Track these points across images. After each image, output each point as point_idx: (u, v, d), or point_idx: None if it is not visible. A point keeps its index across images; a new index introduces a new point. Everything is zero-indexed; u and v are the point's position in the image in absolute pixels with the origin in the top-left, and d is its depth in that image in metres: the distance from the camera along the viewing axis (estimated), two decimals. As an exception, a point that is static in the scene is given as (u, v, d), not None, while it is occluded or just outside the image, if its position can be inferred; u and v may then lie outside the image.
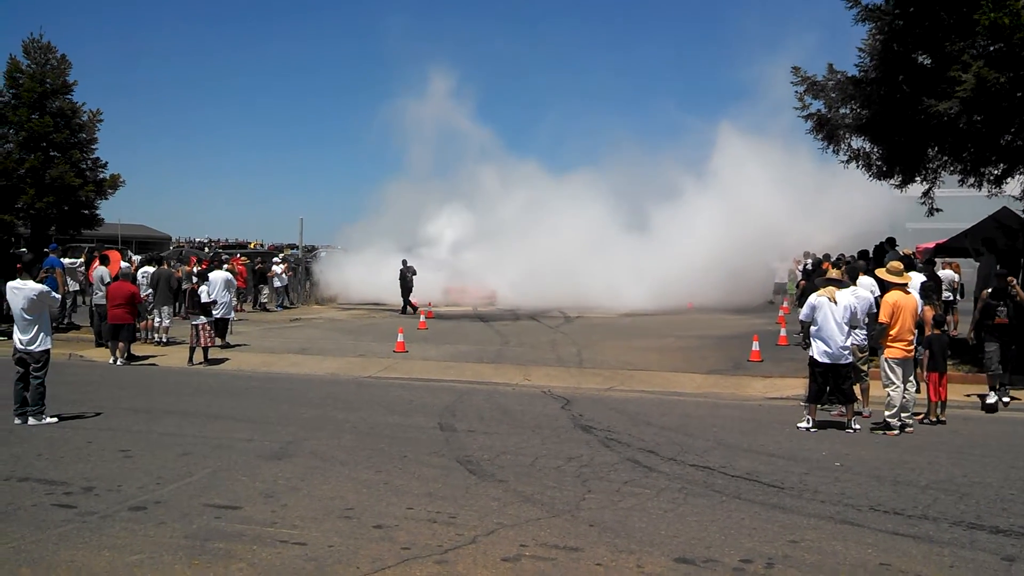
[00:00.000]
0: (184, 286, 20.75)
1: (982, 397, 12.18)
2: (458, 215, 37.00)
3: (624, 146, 39.70)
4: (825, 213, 29.42)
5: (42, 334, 10.50)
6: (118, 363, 16.20)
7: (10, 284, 10.68)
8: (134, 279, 18.02)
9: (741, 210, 29.16)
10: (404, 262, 27.52)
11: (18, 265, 10.90)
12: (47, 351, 10.56)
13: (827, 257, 20.09)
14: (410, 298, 27.45)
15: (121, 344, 16.39)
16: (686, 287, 28.04)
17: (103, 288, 17.68)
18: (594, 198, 33.16)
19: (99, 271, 18.59)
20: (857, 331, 11.04)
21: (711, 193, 31.90)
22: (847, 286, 11.25)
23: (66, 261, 20.81)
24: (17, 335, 10.51)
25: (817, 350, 10.61)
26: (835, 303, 10.57)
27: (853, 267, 13.06)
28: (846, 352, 10.57)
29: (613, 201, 33.54)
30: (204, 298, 16.47)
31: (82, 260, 22.05)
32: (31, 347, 10.40)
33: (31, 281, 10.58)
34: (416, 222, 37.33)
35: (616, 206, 33.42)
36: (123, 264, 19.81)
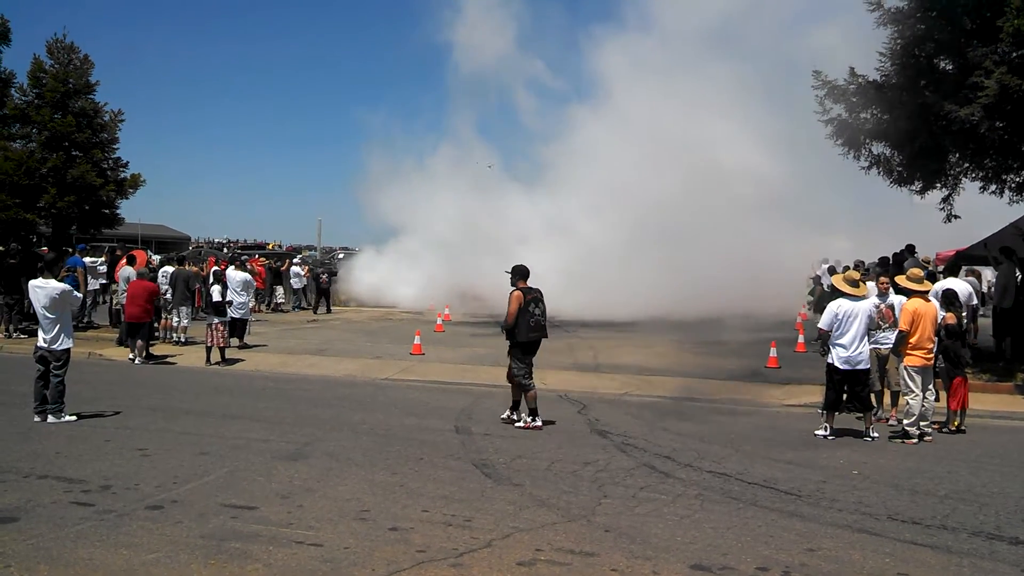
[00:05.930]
0: (196, 286, 20.82)
1: None
2: None
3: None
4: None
5: (63, 333, 10.60)
6: (136, 361, 16.32)
7: (32, 283, 10.79)
8: (153, 277, 18.09)
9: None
10: (321, 263, 29.12)
11: (40, 264, 11.00)
12: (68, 350, 10.66)
13: (857, 266, 19.98)
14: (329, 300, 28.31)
15: (140, 343, 16.50)
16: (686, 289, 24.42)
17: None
18: None
19: (125, 271, 18.71)
20: (885, 333, 10.94)
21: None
22: (858, 297, 10.53)
23: (87, 260, 20.99)
24: (40, 333, 10.63)
25: (837, 357, 10.44)
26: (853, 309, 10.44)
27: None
28: (863, 358, 10.42)
29: None
30: (216, 297, 16.54)
31: (103, 259, 22.23)
32: (53, 345, 10.50)
33: (53, 280, 10.69)
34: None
35: None
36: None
